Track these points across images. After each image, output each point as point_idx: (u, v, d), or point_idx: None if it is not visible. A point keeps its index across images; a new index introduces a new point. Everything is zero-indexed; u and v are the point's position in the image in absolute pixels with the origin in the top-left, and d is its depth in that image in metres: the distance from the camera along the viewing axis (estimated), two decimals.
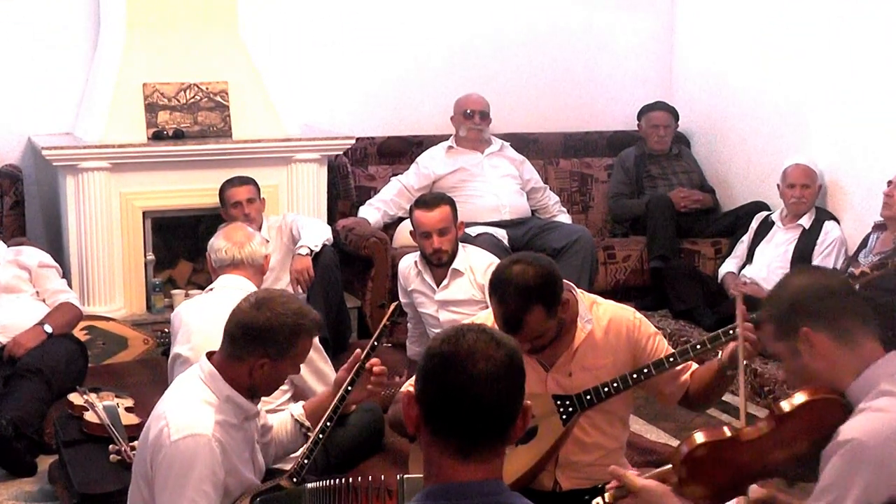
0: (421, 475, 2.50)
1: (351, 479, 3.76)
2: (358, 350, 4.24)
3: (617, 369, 4.09)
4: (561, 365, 4.08)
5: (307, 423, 4.20)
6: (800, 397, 3.08)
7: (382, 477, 3.71)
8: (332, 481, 3.77)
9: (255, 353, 3.73)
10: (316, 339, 4.95)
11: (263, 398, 4.59)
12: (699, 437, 3.07)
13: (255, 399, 3.84)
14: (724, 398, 5.82)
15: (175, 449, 3.56)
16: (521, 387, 2.47)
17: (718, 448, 3.03)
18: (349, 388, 4.13)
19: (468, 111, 8.08)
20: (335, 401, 4.12)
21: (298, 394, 4.89)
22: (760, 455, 3.01)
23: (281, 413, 4.32)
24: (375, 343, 4.25)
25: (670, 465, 3.10)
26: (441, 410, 2.43)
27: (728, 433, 3.07)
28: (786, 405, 3.08)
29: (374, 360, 4.18)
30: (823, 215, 7.42)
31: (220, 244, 5.19)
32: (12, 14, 7.71)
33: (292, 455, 4.27)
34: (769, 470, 3.07)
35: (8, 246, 6.68)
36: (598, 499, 3.21)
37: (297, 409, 4.29)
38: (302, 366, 4.81)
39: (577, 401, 4.01)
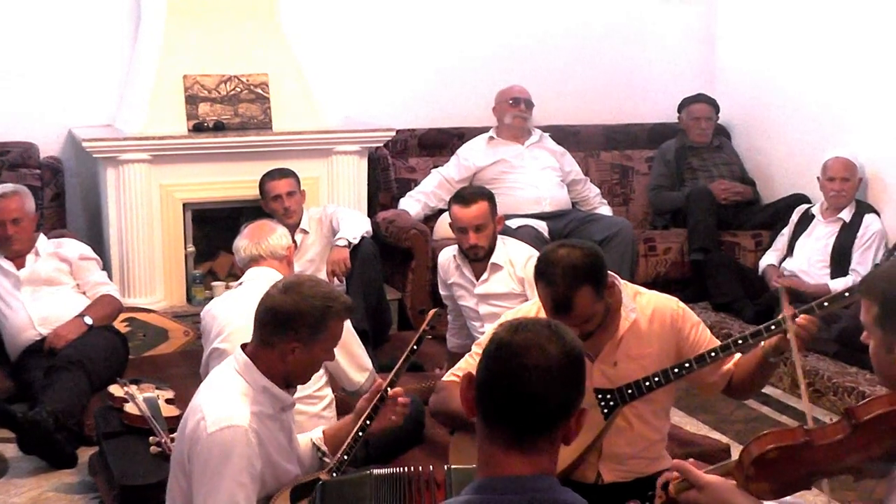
0: (468, 466, 2.49)
1: (406, 469, 3.71)
2: (379, 380, 4.21)
3: (662, 358, 4.09)
4: (606, 355, 4.07)
5: (324, 448, 4.17)
6: (878, 406, 2.91)
7: (431, 467, 3.67)
8: (398, 470, 3.73)
9: (286, 337, 3.70)
10: (348, 323, 4.95)
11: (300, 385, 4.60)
12: (770, 440, 3.01)
13: (290, 388, 3.82)
14: (764, 391, 5.85)
15: (212, 441, 3.55)
16: (577, 387, 2.45)
17: (790, 450, 2.98)
18: (368, 421, 4.07)
19: (514, 98, 8.06)
20: (355, 430, 4.06)
21: (332, 378, 4.88)
22: (833, 457, 2.95)
23: (302, 435, 4.27)
24: (415, 347, 4.20)
25: (734, 461, 3.07)
26: (490, 395, 2.42)
27: (800, 437, 3.00)
28: (863, 413, 2.92)
29: (396, 390, 4.12)
30: (864, 208, 7.38)
31: (239, 244, 5.19)
32: (53, 6, 7.72)
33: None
34: (840, 470, 3.02)
35: (48, 238, 6.72)
36: (660, 490, 3.18)
37: (317, 433, 4.25)
38: (336, 350, 4.83)
39: (618, 395, 4.01)
